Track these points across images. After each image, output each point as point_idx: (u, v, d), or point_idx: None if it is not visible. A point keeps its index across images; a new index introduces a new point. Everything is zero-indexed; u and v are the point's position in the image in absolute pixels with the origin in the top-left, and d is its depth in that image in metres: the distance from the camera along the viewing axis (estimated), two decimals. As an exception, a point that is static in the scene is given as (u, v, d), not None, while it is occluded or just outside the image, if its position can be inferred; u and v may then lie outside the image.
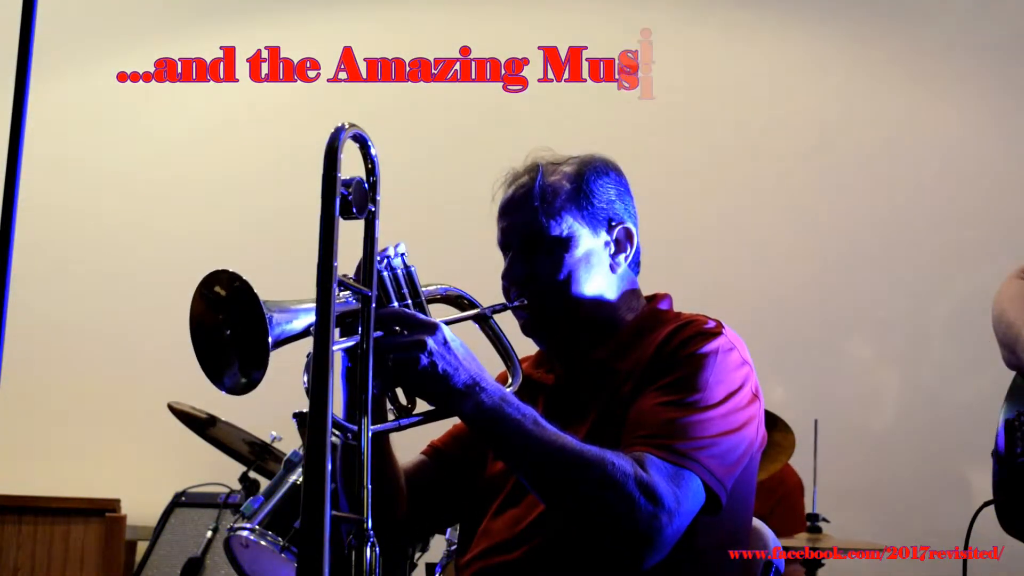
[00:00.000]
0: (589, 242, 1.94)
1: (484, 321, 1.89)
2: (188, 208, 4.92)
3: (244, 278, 1.53)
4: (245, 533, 2.93)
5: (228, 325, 1.56)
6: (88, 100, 5.00)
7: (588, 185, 1.96)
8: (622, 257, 1.98)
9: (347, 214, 1.51)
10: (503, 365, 1.91)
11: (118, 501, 4.44)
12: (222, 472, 3.93)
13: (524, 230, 1.93)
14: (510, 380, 1.86)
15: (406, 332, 1.61)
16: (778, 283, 4.67)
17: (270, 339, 1.49)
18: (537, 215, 1.92)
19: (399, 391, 1.68)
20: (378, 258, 1.65)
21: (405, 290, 1.70)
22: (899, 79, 4.76)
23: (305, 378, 1.48)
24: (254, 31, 4.78)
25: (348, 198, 1.50)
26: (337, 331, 1.56)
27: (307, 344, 1.49)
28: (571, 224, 1.93)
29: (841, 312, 4.67)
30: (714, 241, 4.73)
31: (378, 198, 1.56)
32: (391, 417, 1.69)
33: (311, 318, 1.53)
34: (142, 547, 4.09)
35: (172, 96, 4.90)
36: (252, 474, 3.60)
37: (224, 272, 1.56)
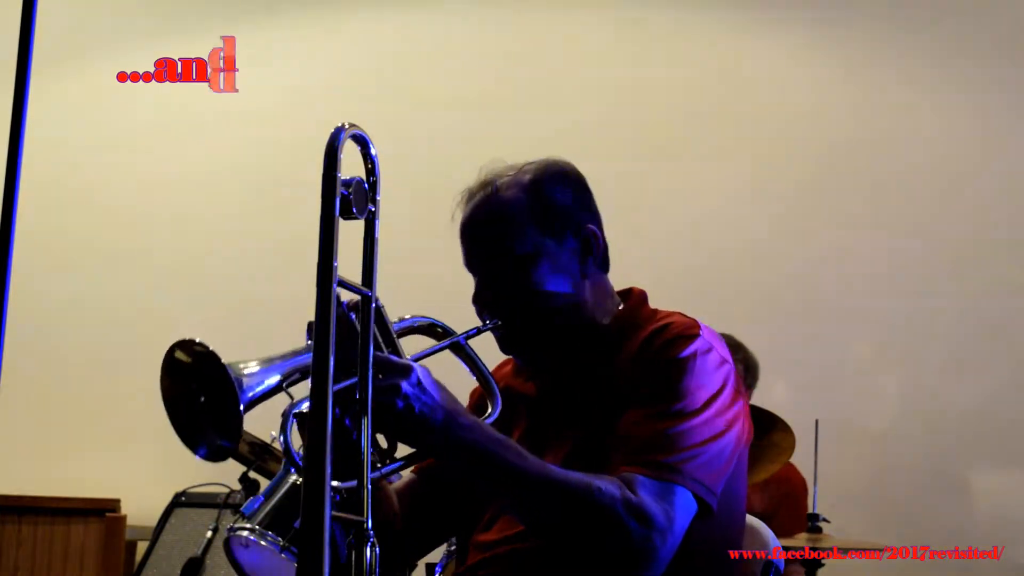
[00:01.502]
0: (554, 253, 1.91)
1: (460, 349, 1.87)
2: (188, 208, 4.92)
3: (204, 344, 1.52)
4: (245, 533, 2.93)
5: (200, 393, 1.56)
6: (88, 100, 5.00)
7: (546, 196, 1.91)
8: (590, 260, 1.94)
9: (347, 214, 1.51)
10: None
11: (118, 501, 4.43)
12: (222, 472, 3.92)
13: (488, 252, 1.91)
14: (489, 409, 1.83)
15: (380, 376, 1.58)
16: (779, 283, 4.67)
17: (241, 407, 1.49)
18: (499, 235, 1.89)
19: (379, 436, 1.66)
20: (344, 304, 1.62)
21: (375, 331, 1.65)
22: (903, 77, 4.76)
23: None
24: (255, 31, 4.78)
25: (348, 198, 1.50)
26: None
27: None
28: (534, 239, 1.89)
29: (842, 312, 4.67)
30: (714, 240, 4.72)
31: (378, 198, 1.56)
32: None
33: (283, 373, 1.54)
34: (142, 547, 4.08)
35: (172, 96, 4.89)
36: (252, 474, 3.60)
37: (185, 341, 1.55)
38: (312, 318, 1.55)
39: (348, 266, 1.55)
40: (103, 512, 4.38)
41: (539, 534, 1.75)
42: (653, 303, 2.01)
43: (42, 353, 4.72)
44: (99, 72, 4.83)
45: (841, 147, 4.74)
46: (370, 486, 1.49)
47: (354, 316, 1.63)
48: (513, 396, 1.95)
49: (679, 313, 1.94)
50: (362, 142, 1.57)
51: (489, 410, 1.83)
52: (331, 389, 1.41)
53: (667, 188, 4.70)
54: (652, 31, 4.92)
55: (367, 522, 1.45)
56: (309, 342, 1.60)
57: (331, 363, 1.42)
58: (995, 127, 4.68)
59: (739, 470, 1.88)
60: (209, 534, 3.70)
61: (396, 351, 1.69)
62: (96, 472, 4.64)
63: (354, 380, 1.54)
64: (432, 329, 1.87)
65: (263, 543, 2.90)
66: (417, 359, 1.72)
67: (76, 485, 4.50)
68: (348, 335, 1.57)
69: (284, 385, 1.57)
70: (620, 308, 1.99)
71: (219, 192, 4.93)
